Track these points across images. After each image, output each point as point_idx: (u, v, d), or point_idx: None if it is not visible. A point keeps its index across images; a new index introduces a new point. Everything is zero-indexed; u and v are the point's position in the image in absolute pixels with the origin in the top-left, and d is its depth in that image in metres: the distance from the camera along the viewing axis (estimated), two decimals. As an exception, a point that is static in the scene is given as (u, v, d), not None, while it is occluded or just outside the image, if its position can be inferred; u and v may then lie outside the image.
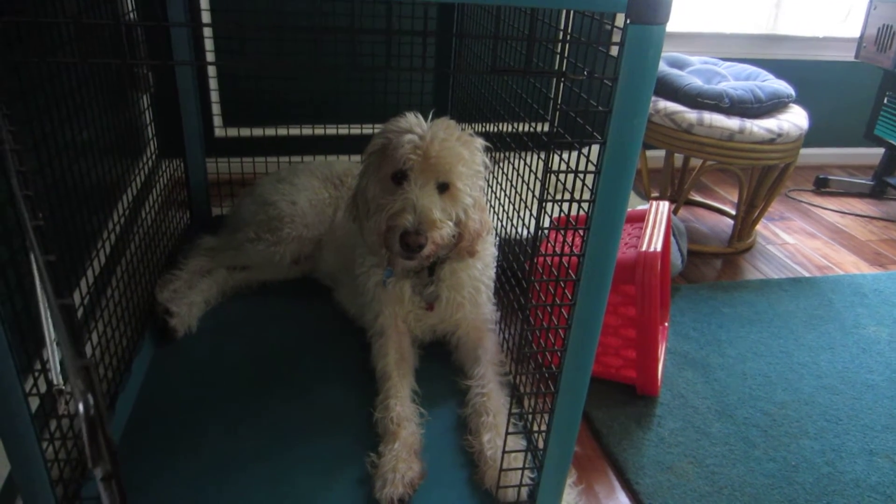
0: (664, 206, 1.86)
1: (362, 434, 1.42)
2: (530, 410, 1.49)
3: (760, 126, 2.32)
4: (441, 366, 1.66)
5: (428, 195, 1.40)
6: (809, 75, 3.37)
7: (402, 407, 1.44)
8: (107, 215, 1.66)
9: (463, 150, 1.45)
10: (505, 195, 1.71)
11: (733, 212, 2.79)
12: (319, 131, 2.40)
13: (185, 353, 1.66)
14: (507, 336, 1.70)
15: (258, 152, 2.34)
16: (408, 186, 1.40)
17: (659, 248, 1.60)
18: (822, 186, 3.28)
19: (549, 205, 1.09)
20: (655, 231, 1.70)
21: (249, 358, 1.66)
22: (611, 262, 1.02)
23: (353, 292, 1.78)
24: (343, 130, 2.41)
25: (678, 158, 2.89)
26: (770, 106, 2.43)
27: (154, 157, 2.17)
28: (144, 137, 2.14)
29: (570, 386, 1.14)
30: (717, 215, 2.94)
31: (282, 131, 2.32)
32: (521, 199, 1.54)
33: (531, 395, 1.42)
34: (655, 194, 2.83)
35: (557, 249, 1.14)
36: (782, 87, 2.50)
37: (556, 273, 1.12)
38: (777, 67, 2.82)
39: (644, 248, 1.59)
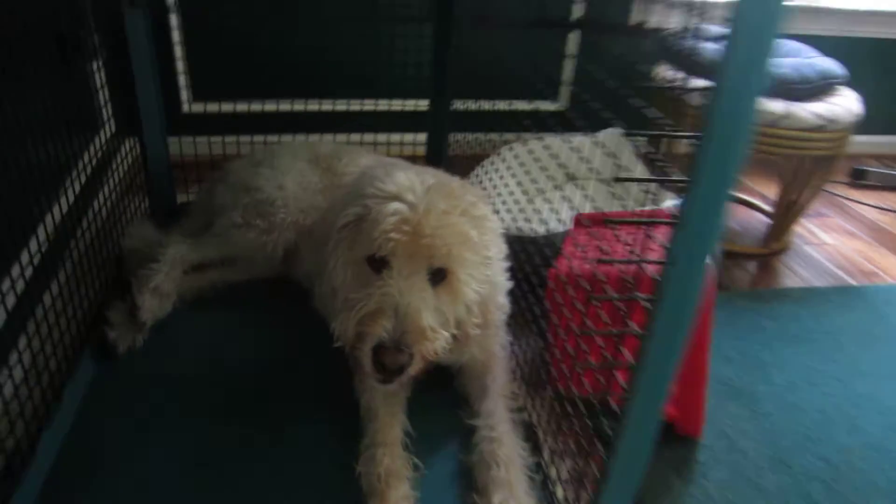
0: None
1: (342, 486, 1.14)
2: (552, 459, 1.21)
3: (808, 110, 2.02)
4: (439, 393, 1.37)
5: (417, 289, 1.06)
6: (852, 53, 3.04)
7: (391, 458, 1.15)
8: (41, 207, 1.36)
9: (470, 228, 1.12)
10: (516, 182, 1.41)
11: (767, 207, 2.50)
12: (300, 107, 2.09)
13: (128, 375, 1.36)
14: (521, 361, 1.41)
15: (232, 130, 2.03)
16: (388, 276, 1.06)
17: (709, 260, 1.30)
18: (858, 179, 2.99)
19: (575, 198, 0.80)
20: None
21: (205, 381, 1.36)
22: (703, 274, 0.74)
23: (331, 306, 1.48)
24: (327, 106, 2.10)
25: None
26: (819, 87, 2.13)
27: (109, 136, 1.85)
28: (95, 113, 1.81)
29: (631, 446, 0.86)
30: (749, 211, 2.64)
31: (258, 107, 2.01)
32: (537, 187, 1.24)
33: (551, 434, 1.15)
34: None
35: (588, 254, 0.86)
36: (833, 65, 2.20)
37: (590, 288, 0.83)
38: (816, 45, 2.50)
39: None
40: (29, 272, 1.24)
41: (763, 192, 2.80)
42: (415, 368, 1.06)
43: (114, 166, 1.79)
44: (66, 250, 1.40)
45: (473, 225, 1.13)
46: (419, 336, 1.04)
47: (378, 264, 1.09)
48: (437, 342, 1.06)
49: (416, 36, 2.01)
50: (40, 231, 1.31)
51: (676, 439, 1.42)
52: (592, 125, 1.15)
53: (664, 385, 0.82)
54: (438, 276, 1.10)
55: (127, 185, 1.81)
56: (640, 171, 1.95)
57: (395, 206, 1.08)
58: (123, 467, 1.17)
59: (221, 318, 1.55)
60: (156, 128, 1.87)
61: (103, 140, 1.77)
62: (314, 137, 2.01)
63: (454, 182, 1.19)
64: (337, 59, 2.10)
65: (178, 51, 2.24)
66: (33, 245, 1.26)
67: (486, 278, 1.18)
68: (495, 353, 1.38)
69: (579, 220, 1.51)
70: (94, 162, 1.63)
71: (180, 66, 2.17)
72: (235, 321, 1.55)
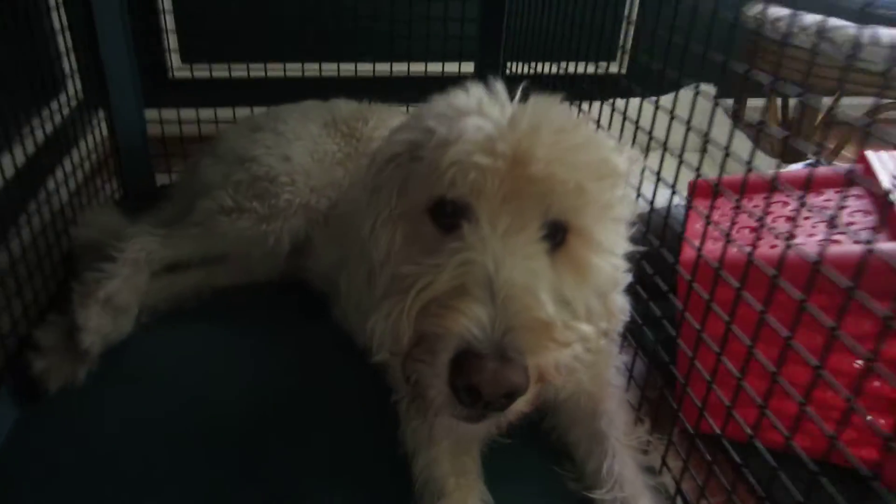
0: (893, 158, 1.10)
1: None
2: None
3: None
4: (524, 441, 0.91)
5: (523, 255, 0.61)
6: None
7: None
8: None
9: (610, 152, 0.67)
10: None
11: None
12: (313, 72, 1.66)
13: (58, 427, 0.91)
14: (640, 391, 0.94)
15: (229, 100, 1.60)
16: (471, 233, 0.61)
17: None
18: None
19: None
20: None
21: (174, 435, 0.91)
22: None
23: (363, 308, 1.02)
24: (347, 71, 1.67)
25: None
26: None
27: (74, 103, 1.43)
28: (54, 74, 1.39)
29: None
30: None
31: (260, 72, 1.60)
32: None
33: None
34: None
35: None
36: None
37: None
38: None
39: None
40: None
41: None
42: (528, 400, 0.60)
43: (71, 139, 1.36)
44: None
45: (614, 150, 0.68)
46: (540, 335, 0.57)
47: (450, 218, 0.64)
48: (568, 349, 0.59)
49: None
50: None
51: (876, 498, 0.93)
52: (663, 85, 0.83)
53: None
54: (556, 237, 0.64)
55: (77, 161, 1.37)
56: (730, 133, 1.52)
57: (476, 121, 0.63)
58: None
59: (203, 340, 1.10)
60: (128, 97, 1.45)
61: (61, 107, 1.34)
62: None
63: (563, 103, 0.73)
64: (360, 11, 1.67)
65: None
66: None
67: (623, 252, 0.72)
68: (610, 380, 0.91)
69: (705, 189, 1.05)
70: (43, 133, 1.21)
71: (167, 19, 1.76)
72: (222, 343, 1.10)
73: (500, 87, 0.70)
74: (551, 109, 0.66)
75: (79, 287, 1.01)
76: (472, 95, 0.69)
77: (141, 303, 1.08)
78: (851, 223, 0.91)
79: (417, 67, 1.70)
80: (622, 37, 1.03)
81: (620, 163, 0.66)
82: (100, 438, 0.89)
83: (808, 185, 0.99)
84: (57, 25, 1.37)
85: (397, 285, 0.63)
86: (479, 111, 0.65)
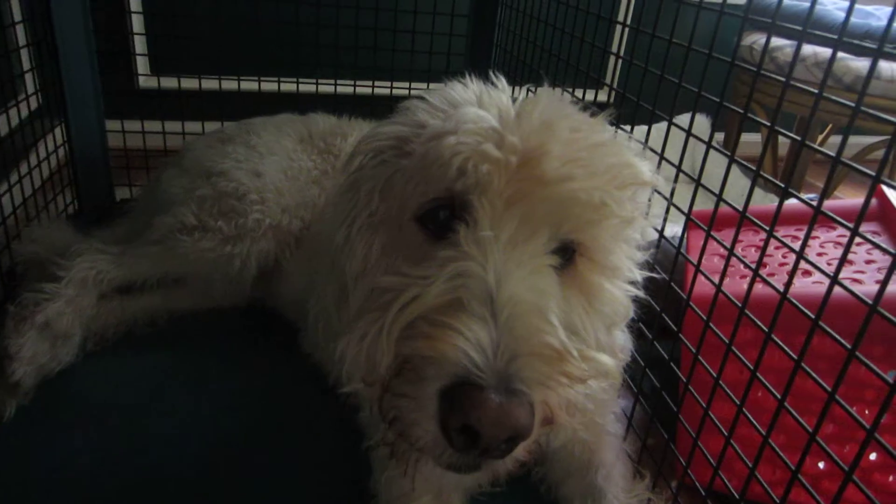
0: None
1: None
2: None
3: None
4: (510, 495, 0.81)
5: (531, 269, 0.52)
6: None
7: None
8: None
9: (635, 158, 0.59)
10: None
11: None
12: (289, 86, 1.58)
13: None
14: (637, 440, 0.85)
15: (199, 114, 1.50)
16: (468, 238, 0.52)
17: None
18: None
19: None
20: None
21: (117, 480, 0.79)
22: None
23: (333, 333, 0.92)
24: (326, 88, 1.59)
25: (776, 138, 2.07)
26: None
27: (26, 108, 1.32)
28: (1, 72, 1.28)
29: None
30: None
31: (232, 85, 1.50)
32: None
33: None
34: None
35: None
36: None
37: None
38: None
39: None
40: None
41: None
42: (528, 445, 0.51)
43: (19, 144, 1.25)
44: None
45: (636, 154, 0.59)
46: (552, 366, 0.48)
47: (442, 224, 0.54)
48: (582, 385, 0.50)
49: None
50: None
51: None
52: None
53: None
54: (564, 254, 0.56)
55: (25, 169, 1.26)
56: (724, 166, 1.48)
57: (473, 112, 0.55)
58: None
59: (154, 371, 0.98)
60: (87, 106, 1.35)
61: (7, 109, 1.24)
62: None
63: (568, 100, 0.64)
64: (342, 20, 1.59)
65: (134, 2, 1.71)
66: None
67: (634, 279, 0.63)
68: (607, 428, 0.82)
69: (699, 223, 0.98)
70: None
71: (136, 24, 1.66)
72: (176, 375, 0.98)
73: (502, 79, 0.62)
74: (564, 105, 0.58)
75: (15, 310, 0.90)
76: (470, 87, 0.60)
77: (87, 328, 0.97)
78: (871, 261, 0.84)
79: (401, 87, 1.63)
80: (610, 71, 0.97)
81: (644, 169, 0.58)
82: (26, 485, 0.78)
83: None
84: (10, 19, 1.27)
85: (375, 301, 0.54)
86: (479, 102, 0.57)
